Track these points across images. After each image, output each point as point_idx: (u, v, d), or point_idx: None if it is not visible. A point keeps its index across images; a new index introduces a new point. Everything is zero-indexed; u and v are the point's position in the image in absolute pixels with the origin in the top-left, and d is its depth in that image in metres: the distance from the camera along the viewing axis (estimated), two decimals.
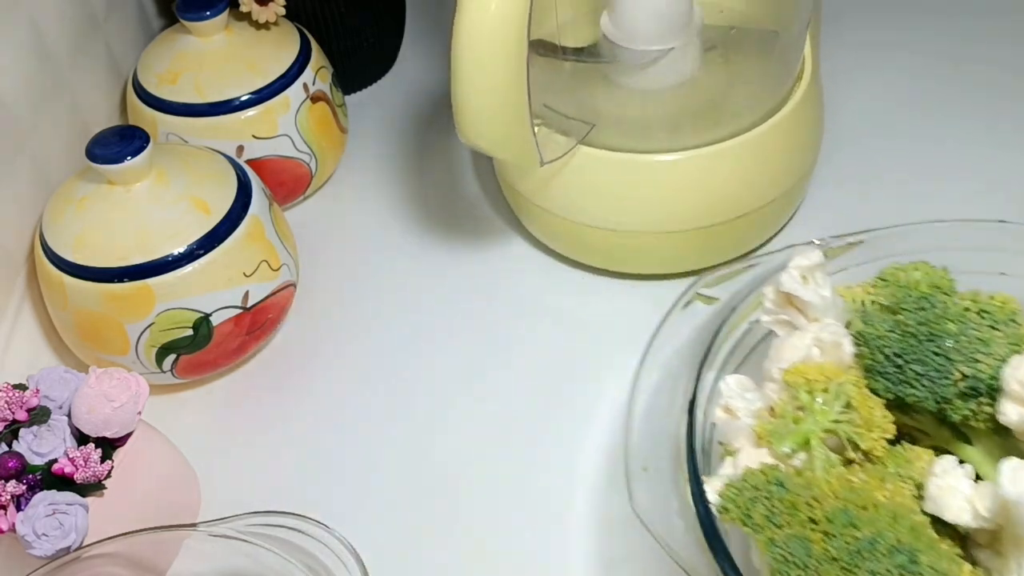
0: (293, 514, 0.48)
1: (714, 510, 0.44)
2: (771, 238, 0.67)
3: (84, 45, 0.73)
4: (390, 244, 0.72)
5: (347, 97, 0.81)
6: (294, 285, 0.66)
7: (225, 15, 0.70)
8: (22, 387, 0.53)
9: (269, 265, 0.63)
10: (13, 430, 0.52)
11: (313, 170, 0.74)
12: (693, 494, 0.45)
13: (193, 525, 0.49)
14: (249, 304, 0.62)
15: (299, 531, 0.47)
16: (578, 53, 0.65)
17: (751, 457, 0.46)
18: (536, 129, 0.60)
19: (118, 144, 0.59)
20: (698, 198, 0.62)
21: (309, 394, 0.64)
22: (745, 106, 0.64)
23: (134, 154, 0.59)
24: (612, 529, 0.56)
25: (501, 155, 0.61)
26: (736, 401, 0.48)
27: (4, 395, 0.52)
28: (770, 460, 0.46)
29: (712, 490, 0.45)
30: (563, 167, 0.63)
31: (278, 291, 0.64)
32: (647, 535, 0.46)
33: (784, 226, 0.68)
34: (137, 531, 0.49)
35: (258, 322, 0.63)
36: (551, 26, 0.60)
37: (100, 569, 0.49)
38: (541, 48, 0.57)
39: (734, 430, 0.48)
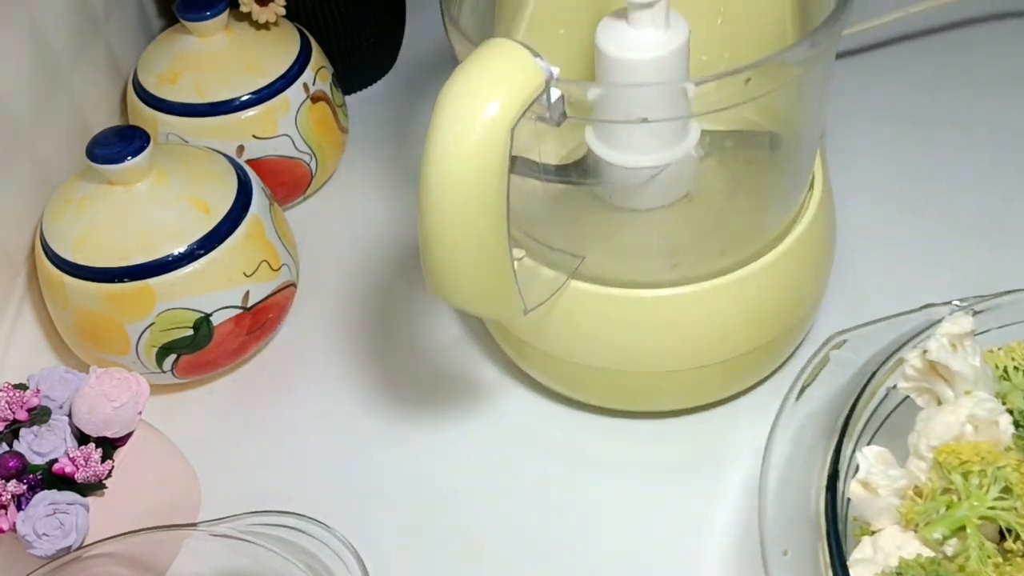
0: (293, 514, 0.48)
1: None
2: (790, 357, 0.61)
3: (84, 45, 0.73)
4: (390, 244, 0.72)
5: (347, 97, 0.81)
6: (294, 285, 0.66)
7: (225, 15, 0.70)
8: (22, 387, 0.53)
9: (269, 265, 0.63)
10: (14, 430, 0.52)
11: (313, 170, 0.74)
12: None
13: (193, 525, 0.49)
14: (249, 304, 0.62)
15: (299, 531, 0.47)
16: (561, 172, 0.57)
17: (894, 540, 0.43)
18: (517, 264, 0.52)
19: (118, 144, 0.59)
20: (709, 334, 0.56)
21: (309, 394, 0.64)
22: (752, 226, 0.57)
23: (134, 154, 0.59)
24: None
25: (479, 311, 0.53)
26: (878, 477, 0.44)
27: (5, 395, 0.52)
28: (917, 544, 0.43)
29: None
30: (554, 304, 0.55)
31: (278, 291, 0.64)
32: None
33: (802, 341, 0.62)
34: (137, 531, 0.49)
35: (258, 322, 0.63)
36: (529, 139, 0.50)
37: (100, 569, 0.49)
38: (518, 165, 0.48)
39: (874, 508, 0.44)
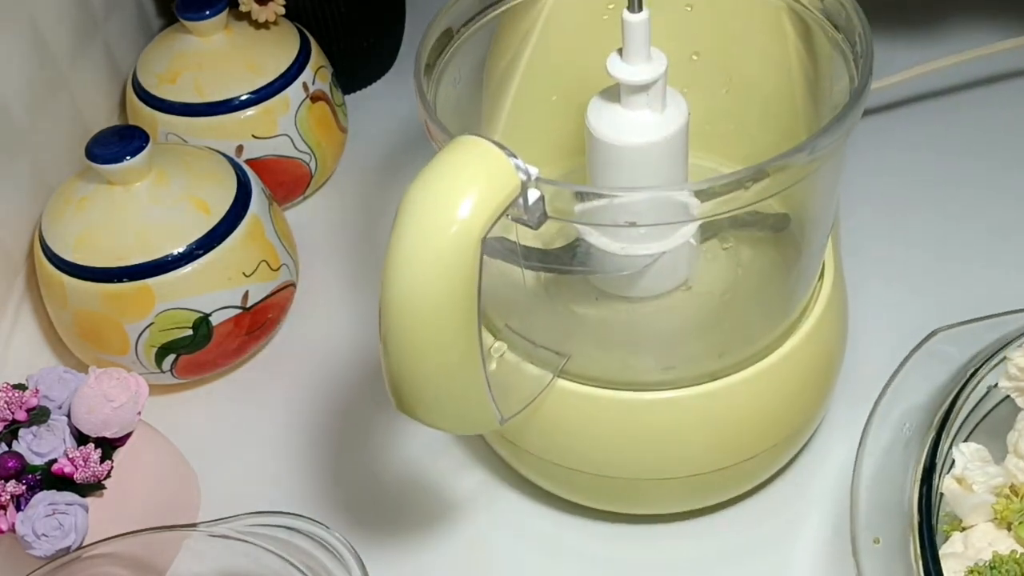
0: (293, 514, 0.48)
1: None
2: (802, 449, 0.57)
3: (84, 45, 0.73)
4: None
5: (347, 96, 0.81)
6: (294, 285, 0.66)
7: (225, 15, 0.70)
8: (21, 387, 0.53)
9: (269, 265, 0.63)
10: (13, 430, 0.51)
11: (313, 170, 0.73)
12: (927, 573, 0.42)
13: (193, 525, 0.49)
14: (249, 304, 0.62)
15: (299, 531, 0.47)
16: (545, 258, 0.51)
17: (986, 536, 0.44)
18: (499, 359, 0.49)
19: (118, 144, 0.59)
20: (706, 442, 0.51)
21: (309, 394, 0.64)
22: (755, 322, 0.52)
23: (133, 154, 0.59)
24: None
25: (450, 429, 0.48)
26: (974, 473, 0.45)
27: (3, 395, 0.51)
28: (1010, 542, 0.43)
29: (951, 572, 0.42)
30: (540, 404, 0.51)
31: (278, 291, 0.64)
32: None
33: (811, 437, 0.57)
34: (137, 531, 0.49)
35: (258, 322, 0.63)
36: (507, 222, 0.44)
37: (100, 569, 0.49)
38: (498, 249, 0.44)
39: (967, 505, 0.45)
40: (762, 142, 0.52)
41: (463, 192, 0.40)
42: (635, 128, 0.47)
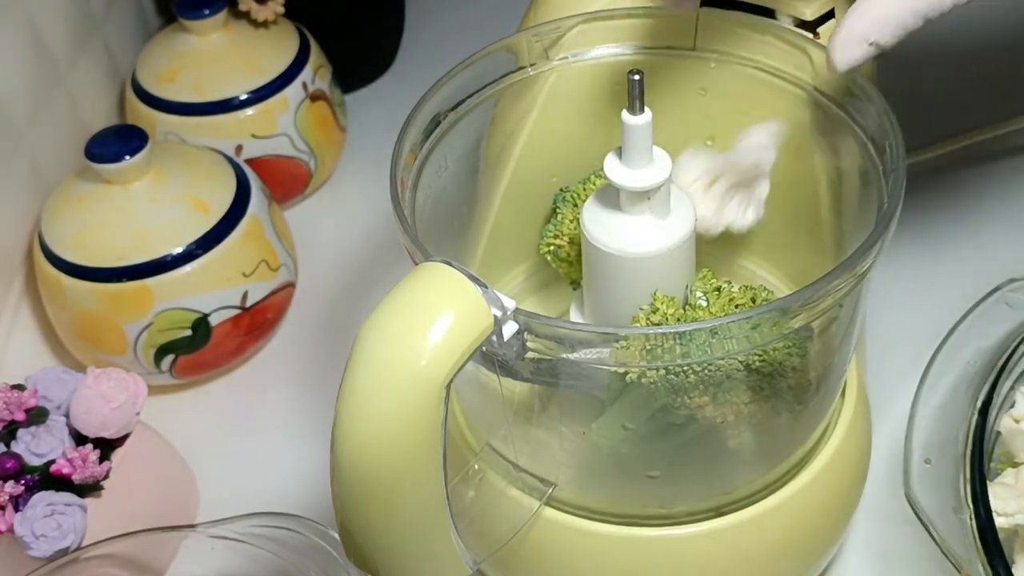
0: (292, 515, 0.48)
1: (996, 516, 0.44)
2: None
3: (83, 44, 0.72)
4: (389, 243, 0.72)
5: (346, 96, 0.81)
6: (293, 285, 0.66)
7: (224, 13, 0.70)
8: (20, 387, 0.53)
9: (268, 265, 0.63)
10: (11, 430, 0.51)
11: (312, 169, 0.73)
12: (974, 495, 0.43)
13: (192, 526, 0.49)
14: (248, 304, 0.62)
15: (298, 532, 0.47)
16: (538, 371, 0.41)
17: None
18: (479, 482, 0.44)
19: (117, 143, 0.59)
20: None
21: (308, 394, 0.64)
22: (767, 441, 0.45)
23: (132, 153, 0.59)
24: (888, 523, 0.52)
25: None
26: None
27: (2, 395, 0.51)
28: None
29: (995, 497, 0.44)
30: (526, 535, 0.45)
31: (277, 291, 0.64)
32: (921, 532, 0.44)
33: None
34: (135, 532, 0.49)
35: (257, 322, 0.63)
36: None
37: (98, 570, 0.49)
38: (483, 360, 0.38)
39: (1021, 442, 0.47)
40: (779, 232, 0.49)
41: (424, 334, 0.35)
42: (635, 236, 0.42)
